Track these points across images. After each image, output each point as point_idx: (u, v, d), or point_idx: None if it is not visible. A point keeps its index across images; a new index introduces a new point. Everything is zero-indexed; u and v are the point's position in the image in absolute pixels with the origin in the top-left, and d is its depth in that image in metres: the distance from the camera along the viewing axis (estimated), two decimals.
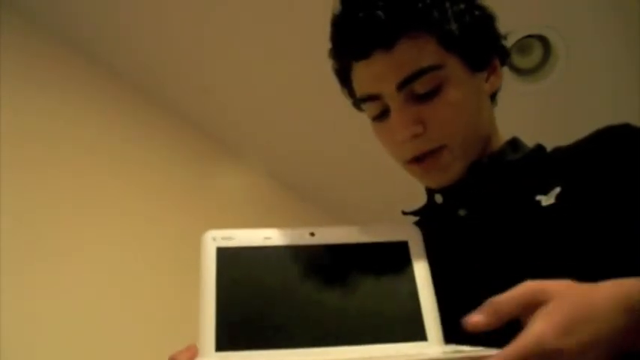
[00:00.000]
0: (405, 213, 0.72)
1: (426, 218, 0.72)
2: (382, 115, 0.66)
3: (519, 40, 1.77)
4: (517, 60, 1.84)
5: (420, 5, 0.63)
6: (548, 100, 1.90)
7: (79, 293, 1.34)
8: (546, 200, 0.60)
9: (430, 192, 0.71)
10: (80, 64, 1.66)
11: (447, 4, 0.65)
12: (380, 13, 0.62)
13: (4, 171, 1.31)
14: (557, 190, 0.60)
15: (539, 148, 0.70)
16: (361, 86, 0.67)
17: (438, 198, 0.69)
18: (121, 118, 1.71)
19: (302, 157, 2.04)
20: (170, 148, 1.82)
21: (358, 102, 0.69)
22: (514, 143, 0.72)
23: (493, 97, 0.74)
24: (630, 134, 0.61)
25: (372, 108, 0.67)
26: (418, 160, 0.65)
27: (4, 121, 1.36)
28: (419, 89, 0.63)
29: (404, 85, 0.62)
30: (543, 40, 1.79)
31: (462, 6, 0.67)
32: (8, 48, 1.45)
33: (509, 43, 1.77)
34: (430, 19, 0.63)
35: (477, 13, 0.70)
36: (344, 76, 0.71)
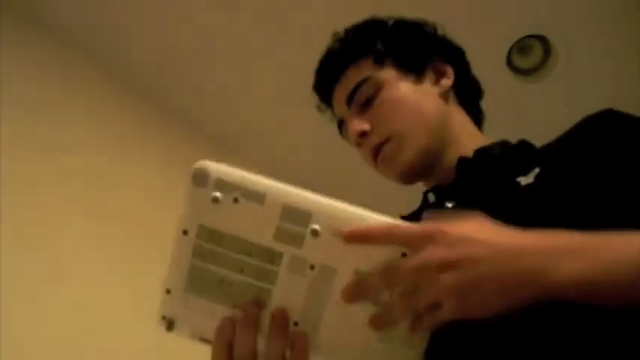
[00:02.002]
0: (402, 217, 0.74)
1: (420, 218, 0.73)
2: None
3: (519, 40, 1.77)
4: (517, 60, 1.84)
5: (355, 42, 0.81)
6: (548, 100, 1.90)
7: (78, 293, 1.34)
8: (525, 180, 0.63)
9: (424, 193, 0.75)
10: (80, 64, 1.66)
11: (376, 32, 0.82)
12: (332, 55, 0.82)
13: (4, 170, 1.31)
14: (537, 170, 0.63)
15: (524, 141, 0.75)
16: (334, 117, 0.84)
17: (431, 197, 0.74)
18: (120, 118, 1.71)
19: (302, 157, 2.04)
20: (170, 148, 1.82)
21: (341, 133, 0.83)
22: (502, 142, 0.77)
23: (465, 97, 0.82)
24: (608, 117, 0.65)
25: (346, 136, 0.81)
26: (376, 157, 0.75)
27: (4, 120, 1.36)
28: (360, 99, 0.76)
29: (349, 100, 0.77)
30: (543, 40, 1.79)
31: (388, 28, 0.83)
32: (8, 48, 1.45)
33: (509, 43, 1.77)
34: (362, 48, 0.79)
35: (401, 30, 0.84)
36: (338, 123, 0.85)
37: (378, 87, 0.76)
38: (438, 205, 0.71)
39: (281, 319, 0.45)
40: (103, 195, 1.53)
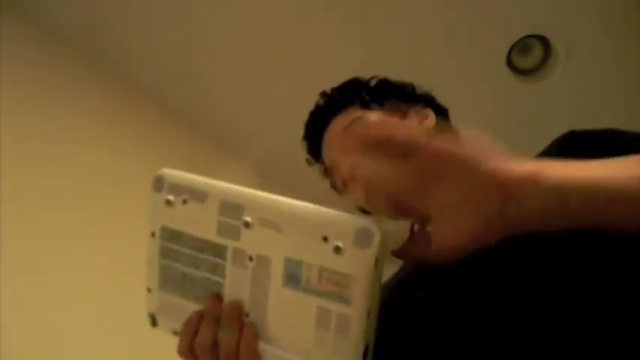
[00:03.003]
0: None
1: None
2: (344, 183, 0.83)
3: (519, 40, 1.77)
4: (517, 60, 1.84)
5: (341, 94, 0.88)
6: (548, 100, 1.90)
7: (77, 294, 1.34)
8: None
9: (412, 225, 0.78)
10: (80, 64, 1.66)
11: (360, 85, 0.89)
12: (319, 111, 0.89)
13: (4, 170, 1.31)
14: None
15: None
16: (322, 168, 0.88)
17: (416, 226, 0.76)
18: (120, 118, 1.71)
19: (303, 157, 2.04)
20: (170, 148, 1.82)
21: (333, 183, 0.87)
22: None
23: None
24: (573, 137, 0.65)
25: (332, 185, 0.86)
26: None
27: (4, 120, 1.36)
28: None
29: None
30: (543, 40, 1.79)
31: (371, 83, 0.90)
32: (8, 47, 1.45)
33: (509, 43, 1.77)
34: (348, 98, 0.86)
35: (383, 83, 0.91)
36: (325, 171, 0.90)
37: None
38: None
39: (233, 311, 0.47)
40: (101, 194, 1.53)
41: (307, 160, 0.93)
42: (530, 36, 1.77)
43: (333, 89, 0.91)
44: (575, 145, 0.64)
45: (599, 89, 1.87)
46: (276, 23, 1.67)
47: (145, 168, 1.70)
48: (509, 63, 1.83)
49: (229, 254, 0.48)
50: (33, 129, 1.45)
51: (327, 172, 0.87)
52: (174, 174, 0.51)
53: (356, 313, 0.44)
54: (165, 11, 1.62)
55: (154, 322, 0.53)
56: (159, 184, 0.51)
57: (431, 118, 0.87)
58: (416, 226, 0.76)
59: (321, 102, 0.90)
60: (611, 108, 1.90)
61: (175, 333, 0.51)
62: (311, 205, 0.46)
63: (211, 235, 0.48)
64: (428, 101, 0.91)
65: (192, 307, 0.50)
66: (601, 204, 0.38)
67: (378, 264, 0.43)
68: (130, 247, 1.52)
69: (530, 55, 1.83)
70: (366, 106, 0.85)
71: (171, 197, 0.50)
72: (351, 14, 1.62)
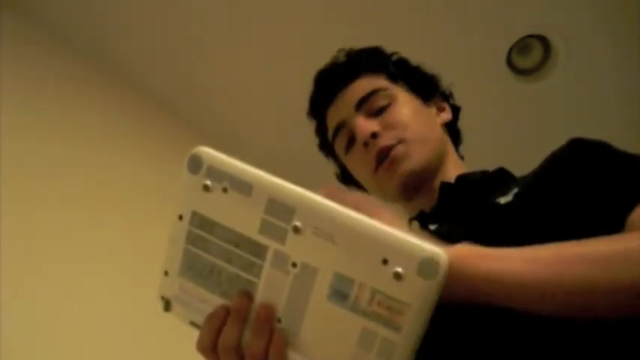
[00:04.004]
0: None
1: None
2: (350, 144, 0.81)
3: (519, 40, 1.77)
4: (517, 60, 1.84)
5: (371, 57, 0.85)
6: (548, 100, 1.90)
7: (77, 293, 1.34)
8: (505, 199, 0.65)
9: (409, 221, 0.78)
10: (79, 64, 1.66)
11: (388, 56, 0.88)
12: (340, 64, 0.85)
13: (4, 170, 1.31)
14: (515, 190, 0.66)
15: (502, 169, 0.77)
16: (331, 124, 0.84)
17: (415, 225, 0.76)
18: (120, 118, 1.71)
19: (303, 157, 2.05)
20: (170, 148, 1.82)
21: (332, 138, 0.84)
22: (482, 171, 0.79)
23: (454, 135, 0.88)
24: (578, 146, 0.67)
25: (341, 141, 0.83)
26: (381, 162, 0.76)
27: (4, 120, 1.37)
28: (373, 106, 0.79)
29: (360, 104, 0.80)
30: (543, 40, 1.79)
31: (398, 57, 0.89)
32: (8, 47, 1.45)
33: (509, 43, 1.77)
34: (377, 63, 0.84)
35: (408, 62, 0.89)
36: (322, 131, 0.88)
37: (392, 99, 0.80)
38: (421, 229, 0.74)
39: (266, 315, 0.45)
40: (101, 194, 1.53)
41: (309, 113, 0.90)
42: (530, 36, 1.77)
43: (358, 50, 0.87)
44: (578, 152, 0.66)
45: (598, 89, 1.87)
46: (276, 23, 1.67)
47: (145, 167, 1.70)
48: (509, 63, 1.83)
49: (269, 256, 0.44)
50: (33, 128, 1.45)
51: (337, 128, 0.83)
52: (215, 156, 0.45)
53: (404, 341, 0.41)
54: (166, 11, 1.62)
55: (167, 307, 0.50)
56: (195, 165, 0.45)
57: (447, 113, 0.87)
58: (414, 223, 0.76)
59: (343, 59, 0.86)
60: (610, 108, 1.90)
61: (193, 324, 0.49)
62: (372, 222, 0.42)
63: (252, 232, 0.44)
64: (446, 96, 0.90)
65: (216, 300, 0.47)
66: (501, 296, 0.44)
67: (438, 294, 0.41)
68: (129, 246, 1.52)
69: (530, 55, 1.83)
70: (394, 78, 0.83)
71: (208, 182, 0.45)
72: (351, 14, 1.62)
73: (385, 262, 0.41)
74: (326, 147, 0.90)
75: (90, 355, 1.30)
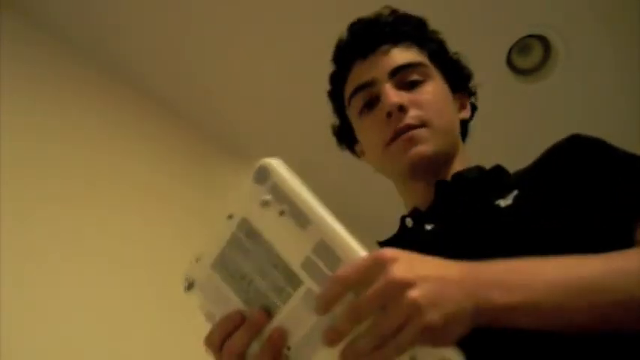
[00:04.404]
0: (380, 243, 0.76)
1: (398, 243, 0.75)
2: (369, 104, 0.78)
3: (519, 40, 1.77)
4: (517, 60, 1.84)
5: (418, 28, 0.83)
6: (548, 100, 1.90)
7: (77, 293, 1.34)
8: (505, 202, 0.65)
9: (402, 218, 0.76)
10: (80, 64, 1.66)
11: (432, 34, 0.86)
12: (385, 21, 0.81)
13: (4, 171, 1.31)
14: (515, 192, 0.65)
15: (498, 167, 0.77)
16: (356, 79, 0.80)
17: (409, 222, 0.75)
18: (120, 118, 1.70)
19: (304, 158, 2.04)
20: (170, 148, 1.82)
21: (351, 93, 0.81)
22: (477, 167, 0.78)
23: (464, 131, 0.86)
24: (577, 142, 0.67)
25: (362, 98, 0.79)
26: (398, 137, 0.74)
27: (4, 120, 1.37)
28: (408, 77, 0.77)
29: (396, 72, 0.77)
30: (543, 40, 1.79)
31: (439, 39, 0.87)
32: (8, 47, 1.45)
33: (509, 43, 1.77)
34: (423, 38, 0.82)
35: (448, 49, 0.87)
36: (339, 80, 0.85)
37: (427, 77, 0.78)
38: (417, 229, 0.73)
39: (278, 338, 0.46)
40: (101, 194, 1.53)
41: (333, 58, 0.86)
42: (530, 36, 1.77)
43: (406, 15, 0.84)
44: (578, 149, 0.65)
45: (598, 89, 1.87)
46: (277, 23, 1.67)
47: (145, 167, 1.70)
48: (509, 63, 1.83)
49: (302, 290, 0.45)
50: (32, 128, 1.45)
51: (365, 83, 0.79)
52: (282, 176, 0.45)
53: None
54: (167, 11, 1.62)
55: (189, 288, 0.51)
56: (261, 176, 0.45)
57: (467, 112, 0.86)
58: (408, 220, 0.75)
59: (389, 18, 0.82)
60: (610, 108, 1.90)
61: (208, 316, 0.50)
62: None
63: (294, 262, 0.45)
64: (470, 94, 0.89)
65: (238, 304, 0.48)
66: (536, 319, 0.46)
67: None
68: (128, 245, 1.52)
69: (530, 55, 1.83)
70: (434, 59, 0.81)
71: (269, 198, 0.45)
72: (352, 14, 1.62)
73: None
74: (336, 96, 0.87)
75: (90, 356, 1.29)
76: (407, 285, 0.41)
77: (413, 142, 0.73)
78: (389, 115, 0.74)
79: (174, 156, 1.82)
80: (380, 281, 0.41)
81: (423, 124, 0.74)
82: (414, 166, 0.74)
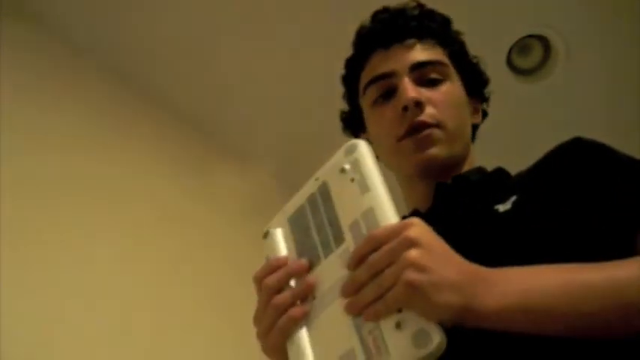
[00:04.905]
0: None
1: None
2: (385, 95, 0.78)
3: (519, 40, 1.77)
4: (517, 60, 1.84)
5: (443, 26, 0.83)
6: (548, 100, 1.90)
7: (78, 294, 1.34)
8: (503, 207, 0.65)
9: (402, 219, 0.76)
10: (81, 65, 1.66)
11: (456, 35, 0.86)
12: (411, 14, 0.82)
13: (5, 173, 1.31)
14: (514, 198, 0.66)
15: (499, 170, 0.77)
16: (376, 68, 0.80)
17: None
18: (120, 118, 1.70)
19: (305, 158, 2.04)
20: (170, 148, 1.82)
21: (368, 82, 0.80)
22: (478, 169, 0.78)
23: (473, 136, 0.86)
24: (578, 146, 0.67)
25: (378, 89, 0.79)
26: (412, 134, 0.74)
27: (5, 121, 1.37)
28: (427, 74, 0.77)
29: (416, 67, 0.77)
30: (543, 40, 1.79)
31: (461, 40, 0.87)
32: (9, 47, 1.45)
33: (509, 43, 1.77)
34: (447, 38, 0.82)
35: (469, 53, 0.87)
36: (356, 66, 0.84)
37: (447, 78, 0.78)
38: None
39: (308, 286, 0.51)
40: (101, 194, 1.53)
41: (354, 42, 0.86)
42: (530, 36, 1.77)
43: (432, 11, 0.84)
44: (579, 153, 0.65)
45: (599, 89, 1.87)
46: (278, 23, 1.67)
47: (144, 167, 1.70)
48: (509, 63, 1.83)
49: (342, 248, 0.50)
50: (33, 127, 1.45)
51: (384, 74, 0.79)
52: (364, 154, 0.52)
53: None
54: (167, 11, 1.62)
55: (265, 235, 0.58)
56: (350, 150, 0.53)
57: (479, 118, 0.86)
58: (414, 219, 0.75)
59: (415, 12, 0.82)
60: (611, 108, 1.90)
61: (266, 259, 0.56)
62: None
63: (345, 222, 0.51)
64: (484, 100, 0.89)
65: (293, 254, 0.55)
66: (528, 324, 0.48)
67: None
68: (128, 245, 1.52)
69: (530, 55, 1.83)
70: (454, 60, 0.81)
71: (347, 167, 0.52)
72: (352, 14, 1.62)
73: (399, 310, 0.45)
74: (350, 82, 0.86)
75: (90, 356, 1.30)
76: (413, 244, 0.45)
77: (427, 142, 0.73)
78: (405, 109, 0.74)
79: (174, 156, 1.82)
80: (397, 239, 0.45)
81: (437, 124, 0.74)
82: (425, 168, 0.75)
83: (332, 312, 0.49)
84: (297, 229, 0.56)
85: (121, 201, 1.56)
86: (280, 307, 0.51)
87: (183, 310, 1.51)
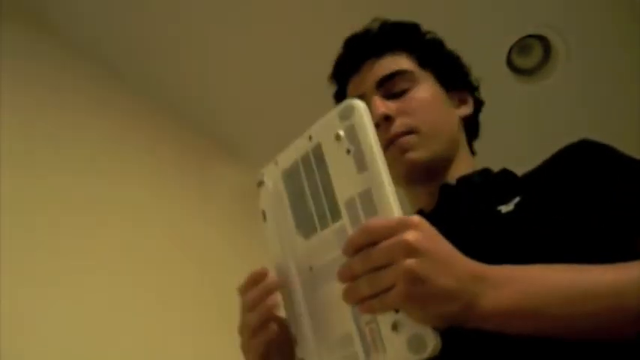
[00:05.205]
0: None
1: None
2: None
3: (519, 40, 1.77)
4: (517, 60, 1.84)
5: (405, 34, 0.84)
6: (548, 100, 1.90)
7: (79, 295, 1.34)
8: (506, 208, 0.65)
9: None
10: (81, 65, 1.66)
11: (423, 36, 0.86)
12: (372, 34, 0.84)
13: (5, 172, 1.31)
14: (517, 199, 0.66)
15: (505, 171, 0.77)
16: (350, 94, 0.83)
17: None
18: (120, 117, 1.70)
19: None
20: (169, 148, 1.82)
21: None
22: (484, 171, 0.79)
23: (470, 129, 0.87)
24: (584, 147, 0.66)
25: None
26: (389, 146, 0.75)
27: (5, 122, 1.36)
28: (395, 85, 0.79)
29: (382, 83, 0.79)
30: (543, 40, 1.79)
31: (434, 39, 0.87)
32: (10, 48, 1.45)
33: (509, 43, 1.77)
34: (410, 43, 0.83)
35: (444, 49, 0.88)
36: (341, 98, 0.86)
37: (414, 83, 0.79)
38: None
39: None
40: (101, 194, 1.53)
41: (332, 76, 0.89)
42: (530, 36, 1.77)
43: (393, 24, 0.86)
44: (586, 155, 0.65)
45: (599, 89, 1.87)
46: (278, 23, 1.67)
47: (144, 167, 1.70)
48: (509, 63, 1.83)
49: (338, 225, 0.49)
50: (33, 128, 1.45)
51: (347, 96, 0.82)
52: (360, 120, 0.49)
53: None
54: (168, 12, 1.62)
55: (259, 184, 0.58)
56: (345, 114, 0.50)
57: (469, 107, 0.85)
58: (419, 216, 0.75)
59: (376, 30, 0.85)
60: (611, 108, 1.90)
61: (263, 214, 0.57)
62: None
63: (341, 197, 0.49)
64: (473, 90, 0.89)
65: (288, 215, 0.54)
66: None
67: None
68: (128, 245, 1.52)
69: (530, 55, 1.83)
70: (423, 64, 0.82)
71: (342, 135, 0.49)
72: (351, 14, 1.62)
73: (397, 311, 0.45)
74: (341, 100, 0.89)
75: (90, 356, 1.30)
76: (412, 251, 0.44)
77: (404, 149, 0.75)
78: (377, 126, 0.76)
79: (173, 156, 1.82)
80: (396, 239, 0.44)
81: (410, 131, 0.75)
82: (409, 173, 0.76)
83: (330, 291, 0.49)
84: (292, 188, 0.54)
85: (118, 197, 1.56)
86: (250, 327, 0.53)
87: (183, 310, 1.51)
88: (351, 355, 0.46)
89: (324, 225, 0.50)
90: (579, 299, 0.47)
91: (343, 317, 0.48)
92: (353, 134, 0.49)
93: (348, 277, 0.46)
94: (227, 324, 1.54)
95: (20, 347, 1.17)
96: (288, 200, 0.54)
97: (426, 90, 0.80)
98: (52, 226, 1.37)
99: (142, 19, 1.64)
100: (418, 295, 0.43)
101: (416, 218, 0.46)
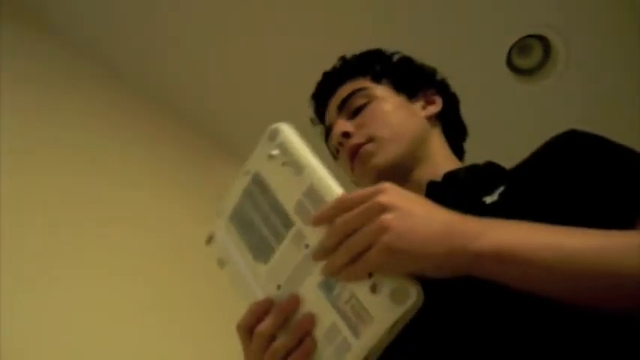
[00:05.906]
0: None
1: None
2: (337, 148, 0.85)
3: (519, 40, 1.77)
4: (517, 60, 1.84)
5: (356, 62, 0.90)
6: (548, 100, 1.90)
7: (79, 296, 1.34)
8: (491, 199, 0.66)
9: None
10: (81, 65, 1.66)
11: (378, 57, 0.90)
12: (335, 70, 0.90)
13: (5, 172, 1.31)
14: (501, 188, 0.66)
15: (490, 163, 0.77)
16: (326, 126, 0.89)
17: None
18: (119, 117, 1.70)
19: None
20: (169, 148, 1.82)
21: (326, 144, 0.89)
22: (471, 166, 0.79)
23: (449, 126, 0.88)
24: (572, 137, 0.66)
25: (331, 145, 0.87)
26: (353, 159, 0.79)
27: (6, 122, 1.37)
28: (352, 105, 0.83)
29: (341, 106, 0.84)
30: (543, 40, 1.79)
31: (390, 56, 0.91)
32: (10, 48, 1.45)
33: (509, 43, 1.77)
34: (362, 67, 0.88)
35: (402, 60, 0.91)
36: (326, 133, 0.90)
37: (370, 99, 0.83)
38: None
39: (306, 323, 0.49)
40: (101, 195, 1.53)
41: (311, 119, 0.94)
42: (530, 36, 1.77)
43: (352, 56, 0.91)
44: (573, 143, 0.65)
45: (599, 89, 1.87)
46: (277, 23, 1.67)
47: (143, 168, 1.70)
48: (509, 63, 1.83)
49: (293, 231, 0.50)
50: (33, 127, 1.45)
51: (327, 131, 0.88)
52: (288, 135, 0.53)
53: (358, 349, 0.46)
54: (168, 12, 1.62)
55: (209, 240, 0.58)
56: (273, 135, 0.54)
57: (437, 105, 0.87)
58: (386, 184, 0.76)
59: (337, 65, 0.91)
60: (611, 108, 1.90)
61: (219, 262, 0.57)
62: None
63: (289, 206, 0.51)
64: (442, 88, 0.90)
65: (245, 251, 0.54)
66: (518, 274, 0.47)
67: (398, 322, 0.45)
68: (129, 245, 1.52)
69: (530, 55, 1.83)
70: (377, 78, 0.86)
71: (275, 153, 0.53)
72: (351, 15, 1.62)
73: (370, 274, 0.45)
74: (332, 152, 0.92)
75: (90, 357, 1.30)
76: (386, 208, 0.45)
77: (363, 159, 0.79)
78: (340, 144, 0.81)
79: (173, 156, 1.82)
80: (369, 202, 0.45)
81: (368, 140, 0.79)
82: (376, 179, 0.78)
83: (303, 295, 0.49)
84: (241, 225, 0.55)
85: (117, 197, 1.56)
86: (279, 354, 0.49)
87: (183, 310, 1.51)
88: (341, 343, 0.47)
89: (280, 239, 0.51)
90: (569, 257, 0.47)
91: (322, 313, 0.48)
92: (284, 148, 0.52)
93: (324, 251, 0.47)
94: (227, 325, 1.55)
95: (20, 347, 1.17)
96: (240, 236, 0.55)
97: (383, 100, 0.83)
98: (52, 226, 1.37)
99: (141, 19, 1.64)
100: (398, 248, 0.43)
101: (386, 184, 0.47)
